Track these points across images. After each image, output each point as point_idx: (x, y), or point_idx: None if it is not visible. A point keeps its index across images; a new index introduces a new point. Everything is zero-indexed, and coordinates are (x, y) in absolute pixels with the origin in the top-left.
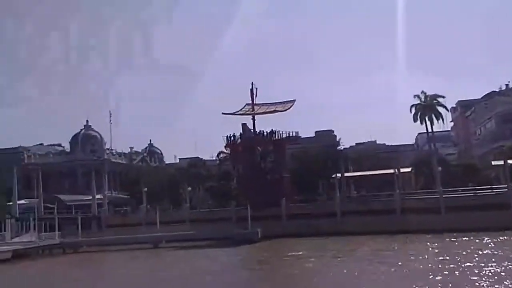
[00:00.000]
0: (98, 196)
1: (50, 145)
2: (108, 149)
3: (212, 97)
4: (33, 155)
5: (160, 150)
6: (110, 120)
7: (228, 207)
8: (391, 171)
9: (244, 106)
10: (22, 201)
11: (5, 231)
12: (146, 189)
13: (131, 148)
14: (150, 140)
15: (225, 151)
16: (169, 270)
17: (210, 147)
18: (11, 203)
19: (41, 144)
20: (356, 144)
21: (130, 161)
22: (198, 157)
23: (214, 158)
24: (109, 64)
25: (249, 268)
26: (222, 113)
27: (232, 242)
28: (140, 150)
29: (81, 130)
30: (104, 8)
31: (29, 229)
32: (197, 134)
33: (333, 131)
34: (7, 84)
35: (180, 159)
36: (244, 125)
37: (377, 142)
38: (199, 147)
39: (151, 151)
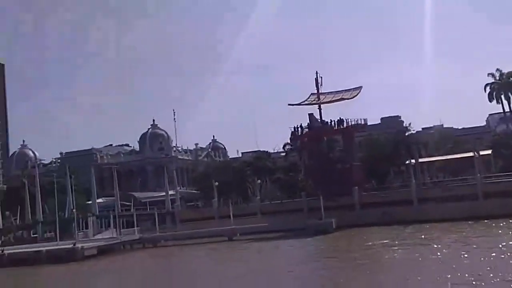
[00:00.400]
0: (170, 192)
1: (119, 145)
2: (174, 146)
3: (271, 91)
4: (105, 156)
5: (223, 145)
6: (174, 118)
7: (296, 198)
8: (470, 154)
9: (309, 96)
10: (100, 200)
11: (86, 228)
12: (217, 183)
13: (196, 144)
14: (214, 136)
15: (291, 142)
16: (252, 261)
17: (271, 141)
18: (89, 202)
19: (111, 145)
20: (423, 129)
21: (196, 157)
22: (263, 151)
23: (277, 151)
24: (173, 64)
25: (335, 257)
26: (289, 104)
27: (306, 233)
28: (204, 146)
29: (148, 129)
30: (170, 7)
31: (108, 226)
32: (257, 128)
33: (399, 117)
34: (74, 88)
35: (242, 153)
36: (311, 115)
37: (444, 126)
38: (260, 141)
39: (215, 147)
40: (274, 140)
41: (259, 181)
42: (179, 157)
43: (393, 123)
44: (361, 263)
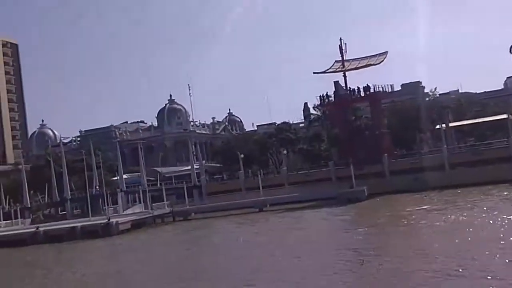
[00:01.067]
0: (192, 167)
1: (134, 122)
2: (191, 121)
3: (283, 61)
4: (123, 133)
5: (239, 118)
6: (190, 93)
7: (320, 168)
8: (502, 116)
9: (333, 64)
10: (124, 176)
11: (113, 204)
12: (242, 155)
13: (213, 118)
14: (229, 109)
15: (314, 112)
16: (291, 231)
17: (285, 112)
18: (115, 178)
19: (126, 122)
20: (440, 94)
21: (214, 131)
22: (283, 122)
23: (297, 122)
24: (188, 36)
25: (381, 224)
26: (314, 73)
27: (338, 202)
28: (220, 120)
29: (165, 104)
30: None
31: (134, 201)
32: (271, 100)
33: (420, 82)
34: (91, 66)
35: (257, 126)
36: (336, 82)
37: (460, 91)
38: (273, 113)
39: (231, 120)
40: (288, 111)
41: (285, 151)
42: (197, 131)
43: (414, 89)
44: (423, 226)
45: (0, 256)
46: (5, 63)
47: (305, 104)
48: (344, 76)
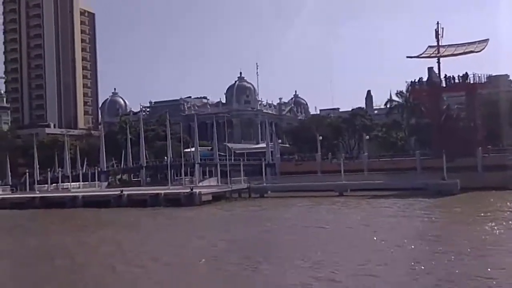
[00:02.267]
0: (261, 145)
1: (197, 97)
2: (259, 100)
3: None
4: (192, 106)
5: (305, 101)
6: (257, 72)
7: (403, 156)
8: None
9: (426, 49)
10: (194, 149)
11: (185, 175)
12: (321, 137)
13: (280, 99)
14: (296, 91)
15: (395, 99)
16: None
17: (347, 98)
18: (187, 150)
19: (190, 96)
20: None
21: (280, 111)
22: (359, 107)
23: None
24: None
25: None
26: (407, 57)
27: (426, 193)
28: (286, 101)
29: (235, 81)
30: None
31: (204, 174)
32: (334, 85)
33: (508, 76)
34: (163, 43)
35: (320, 110)
36: (430, 69)
37: None
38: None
39: (297, 102)
40: (351, 97)
41: (367, 137)
42: (264, 111)
43: (501, 82)
44: None
45: (106, 217)
46: (82, 31)
47: (368, 91)
48: (438, 62)
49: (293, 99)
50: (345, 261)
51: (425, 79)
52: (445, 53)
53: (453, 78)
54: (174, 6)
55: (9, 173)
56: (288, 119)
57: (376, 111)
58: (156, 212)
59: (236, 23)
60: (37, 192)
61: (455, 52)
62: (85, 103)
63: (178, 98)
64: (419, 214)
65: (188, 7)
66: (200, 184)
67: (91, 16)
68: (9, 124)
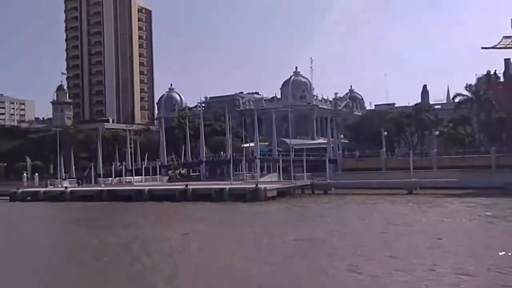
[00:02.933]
0: (320, 141)
1: (249, 93)
2: (314, 95)
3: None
4: (247, 102)
5: (361, 96)
6: (311, 66)
7: (475, 153)
8: None
9: (501, 40)
10: (251, 144)
11: (242, 171)
12: (385, 133)
13: (336, 93)
14: (351, 86)
15: (464, 93)
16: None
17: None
18: (245, 145)
19: (241, 92)
20: None
21: (335, 107)
22: (422, 102)
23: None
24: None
25: None
26: (482, 48)
27: (505, 192)
28: (342, 96)
29: (290, 76)
30: None
31: (263, 170)
32: (388, 80)
33: None
34: (216, 40)
35: (375, 105)
36: (507, 60)
37: None
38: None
39: (352, 97)
40: (406, 93)
41: (437, 132)
42: (320, 106)
43: None
44: None
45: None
46: (139, 28)
47: (424, 86)
48: None
49: (349, 94)
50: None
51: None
52: None
53: None
54: (228, 3)
55: (73, 167)
56: (344, 114)
57: (439, 106)
58: (229, 208)
59: (285, 18)
60: (102, 185)
61: None
62: (141, 99)
63: (232, 93)
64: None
65: (241, 3)
66: (262, 179)
67: (148, 13)
68: (71, 119)
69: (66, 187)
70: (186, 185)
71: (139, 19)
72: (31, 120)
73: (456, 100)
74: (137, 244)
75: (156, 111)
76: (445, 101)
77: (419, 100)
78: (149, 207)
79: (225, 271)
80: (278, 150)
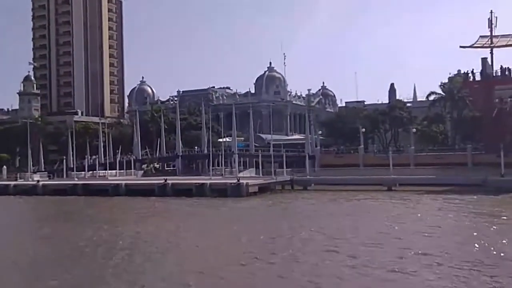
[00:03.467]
0: (297, 137)
1: (220, 88)
2: (288, 91)
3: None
4: (220, 96)
5: (333, 93)
6: (284, 62)
7: (450, 151)
8: None
9: (477, 39)
10: (227, 139)
11: (219, 166)
12: (363, 129)
13: (309, 90)
14: (323, 83)
15: (438, 92)
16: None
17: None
18: (220, 140)
19: (213, 87)
20: None
21: (308, 103)
22: (398, 99)
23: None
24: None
25: None
26: (460, 47)
27: (484, 189)
28: (314, 92)
29: (265, 72)
30: None
31: (240, 165)
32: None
33: None
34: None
35: (346, 102)
36: (484, 60)
37: None
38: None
39: (324, 94)
40: (375, 91)
41: (414, 130)
42: (293, 102)
43: None
44: None
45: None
46: (109, 19)
47: (392, 84)
48: (491, 52)
49: (321, 90)
50: None
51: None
52: (499, 44)
53: (509, 69)
54: None
55: (42, 160)
56: (317, 111)
57: (409, 104)
58: (213, 204)
59: (260, 13)
60: (76, 179)
61: (509, 43)
62: (111, 91)
63: (205, 87)
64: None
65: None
66: (240, 174)
67: (119, 3)
68: (39, 110)
69: (38, 181)
70: (165, 180)
71: (110, 10)
72: None
73: (431, 98)
74: (139, 241)
75: (126, 104)
76: (411, 100)
77: (386, 99)
78: (128, 202)
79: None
80: (254, 145)
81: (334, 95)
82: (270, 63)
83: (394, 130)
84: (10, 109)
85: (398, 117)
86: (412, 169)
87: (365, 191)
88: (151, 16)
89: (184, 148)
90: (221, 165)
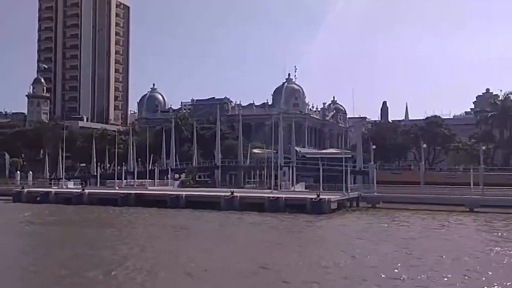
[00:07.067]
0: (333, 150)
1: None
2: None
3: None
4: (236, 106)
5: (343, 107)
6: (295, 75)
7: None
8: None
9: None
10: (256, 150)
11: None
12: (425, 145)
13: (324, 103)
14: (334, 97)
15: (488, 109)
16: None
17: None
18: (256, 151)
19: (225, 97)
20: None
21: (324, 117)
22: (435, 115)
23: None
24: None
25: None
26: None
27: None
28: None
29: (283, 83)
30: None
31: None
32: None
33: None
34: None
35: (349, 118)
36: None
37: None
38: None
39: (336, 108)
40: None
41: (483, 147)
42: (310, 115)
43: None
44: None
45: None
46: (116, 24)
47: (384, 102)
48: None
49: (332, 104)
50: None
51: None
52: None
53: None
54: (217, 6)
55: (62, 166)
56: (330, 125)
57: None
58: (296, 221)
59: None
60: (116, 187)
61: None
62: (115, 98)
63: (221, 97)
64: None
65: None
66: (292, 189)
67: (126, 9)
68: (48, 114)
69: (83, 189)
70: (232, 192)
71: (117, 15)
72: None
73: (469, 115)
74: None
75: (129, 111)
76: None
77: (378, 115)
78: (194, 214)
79: None
80: (287, 157)
81: (345, 110)
82: (289, 74)
83: (432, 147)
84: (9, 112)
85: (438, 133)
86: (485, 189)
87: (444, 211)
88: (157, 22)
89: (203, 159)
90: (264, 178)
